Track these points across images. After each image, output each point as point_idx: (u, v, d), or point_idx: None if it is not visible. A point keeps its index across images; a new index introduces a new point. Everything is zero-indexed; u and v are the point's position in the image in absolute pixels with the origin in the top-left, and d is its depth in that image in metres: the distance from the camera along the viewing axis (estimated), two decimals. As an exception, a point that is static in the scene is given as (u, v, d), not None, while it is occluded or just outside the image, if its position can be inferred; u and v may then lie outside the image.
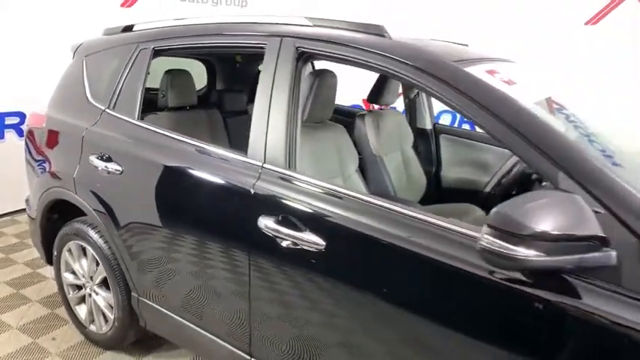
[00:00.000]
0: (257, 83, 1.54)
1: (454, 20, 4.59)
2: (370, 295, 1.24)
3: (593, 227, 0.90)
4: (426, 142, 2.62)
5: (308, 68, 2.15)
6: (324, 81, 1.70)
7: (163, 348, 2.19)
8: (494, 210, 0.90)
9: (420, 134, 2.62)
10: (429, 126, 2.63)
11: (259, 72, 1.58)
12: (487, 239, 0.89)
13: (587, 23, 4.32)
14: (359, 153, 2.23)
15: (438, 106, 2.94)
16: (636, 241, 0.93)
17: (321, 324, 1.35)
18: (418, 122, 2.63)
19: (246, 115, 2.75)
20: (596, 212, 0.95)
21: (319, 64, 2.38)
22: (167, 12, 4.18)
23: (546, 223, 0.86)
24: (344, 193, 1.30)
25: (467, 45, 2.18)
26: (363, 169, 2.22)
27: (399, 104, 2.75)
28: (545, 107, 1.62)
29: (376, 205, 1.23)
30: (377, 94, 2.30)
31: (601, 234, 0.90)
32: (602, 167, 1.03)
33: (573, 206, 0.91)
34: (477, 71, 1.24)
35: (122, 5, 4.17)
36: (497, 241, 0.87)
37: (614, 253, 0.93)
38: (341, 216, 1.27)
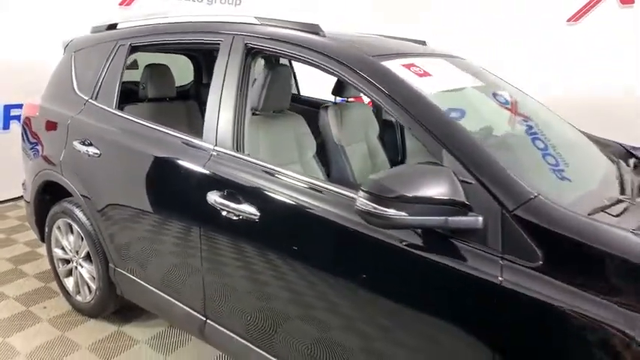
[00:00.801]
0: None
1: (438, 20, 4.75)
2: (292, 256, 1.44)
3: (456, 194, 1.08)
4: (392, 133, 2.79)
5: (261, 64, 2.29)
6: (277, 74, 1.89)
7: (141, 318, 2.40)
8: (369, 177, 1.08)
9: (386, 125, 2.79)
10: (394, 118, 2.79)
11: None
12: (361, 202, 1.07)
13: (569, 20, 4.43)
14: (323, 142, 2.42)
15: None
16: (500, 208, 1.11)
17: (260, 283, 1.54)
18: (384, 114, 2.80)
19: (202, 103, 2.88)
20: (467, 183, 1.13)
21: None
22: (163, 11, 4.40)
23: (411, 188, 1.04)
24: (274, 170, 1.50)
25: (424, 42, 2.35)
26: (326, 157, 2.41)
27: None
28: (483, 96, 1.80)
29: (293, 177, 1.44)
30: (339, 87, 2.49)
31: (462, 200, 1.08)
32: (482, 147, 1.20)
33: (439, 176, 1.09)
34: (392, 65, 1.42)
35: (120, 4, 4.40)
36: (370, 203, 1.06)
37: (480, 218, 1.10)
38: (271, 189, 1.47)
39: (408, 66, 1.46)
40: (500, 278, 1.06)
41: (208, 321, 1.77)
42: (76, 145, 2.13)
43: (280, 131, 2.02)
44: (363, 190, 1.07)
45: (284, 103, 2.01)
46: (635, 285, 0.96)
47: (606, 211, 1.18)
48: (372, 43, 1.70)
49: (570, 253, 1.03)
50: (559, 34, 4.44)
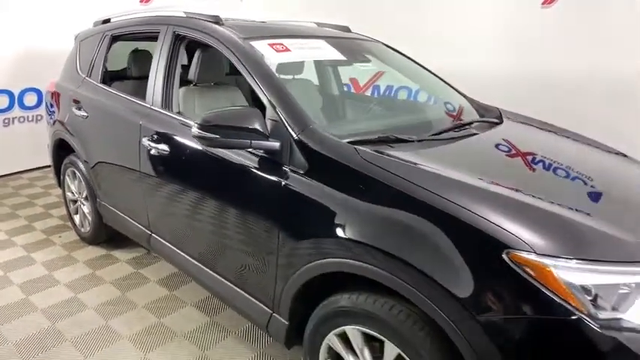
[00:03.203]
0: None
1: (415, 6, 5.13)
2: (184, 176, 2.09)
3: (260, 126, 1.64)
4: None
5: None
6: (207, 54, 2.48)
7: (126, 246, 3.14)
8: (202, 115, 1.67)
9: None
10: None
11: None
12: (194, 130, 1.65)
13: (543, 4, 4.66)
14: None
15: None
16: (289, 136, 1.65)
17: (172, 200, 2.18)
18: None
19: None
20: (275, 121, 1.69)
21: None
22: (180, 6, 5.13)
23: (225, 121, 1.62)
24: (177, 119, 2.12)
25: (347, 27, 2.89)
26: None
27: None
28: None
29: (180, 121, 2.06)
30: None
31: (262, 130, 1.64)
32: (288, 98, 1.73)
33: (249, 115, 1.64)
34: (258, 43, 1.99)
35: (141, 2, 5.19)
36: (197, 130, 1.64)
37: (278, 143, 1.66)
38: (172, 132, 2.10)
39: (273, 45, 2.01)
40: (283, 182, 1.62)
41: (152, 234, 2.45)
42: (74, 110, 2.88)
43: (214, 99, 2.61)
44: (195, 123, 1.66)
45: (217, 77, 2.60)
46: (350, 178, 1.48)
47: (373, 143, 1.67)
48: (256, 27, 2.25)
49: (322, 162, 1.57)
50: (534, 17, 4.67)
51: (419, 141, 1.76)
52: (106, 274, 2.82)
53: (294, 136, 1.64)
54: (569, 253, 1.15)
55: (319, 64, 2.84)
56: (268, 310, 1.81)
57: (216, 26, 2.11)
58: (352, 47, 2.49)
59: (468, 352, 1.19)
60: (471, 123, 2.16)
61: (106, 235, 3.10)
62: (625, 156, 2.13)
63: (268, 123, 1.71)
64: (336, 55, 2.20)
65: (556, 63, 4.49)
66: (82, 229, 3.21)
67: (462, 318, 1.18)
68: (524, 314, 1.13)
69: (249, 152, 1.75)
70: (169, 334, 2.26)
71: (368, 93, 4.41)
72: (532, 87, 4.56)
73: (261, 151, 1.71)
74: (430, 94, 2.72)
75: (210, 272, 2.07)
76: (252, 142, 1.65)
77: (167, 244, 2.33)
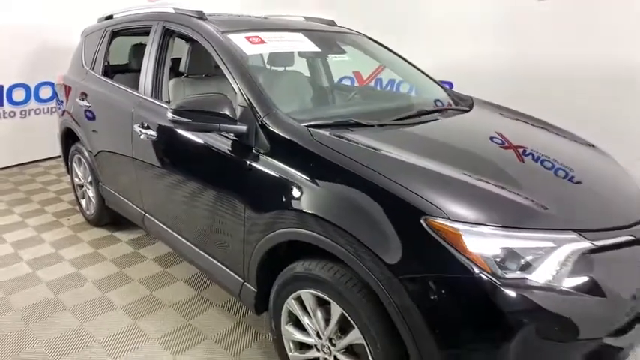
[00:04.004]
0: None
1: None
2: (167, 156, 2.29)
3: (229, 111, 1.81)
4: None
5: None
6: (196, 48, 2.66)
7: (127, 228, 3.36)
8: (176, 101, 1.84)
9: None
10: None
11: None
12: (169, 115, 1.83)
13: (539, -1, 4.69)
14: None
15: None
16: (255, 120, 1.81)
17: (160, 181, 2.38)
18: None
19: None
20: (244, 107, 1.86)
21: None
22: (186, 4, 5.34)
23: (197, 107, 1.79)
24: (162, 106, 2.31)
25: (333, 21, 3.04)
26: None
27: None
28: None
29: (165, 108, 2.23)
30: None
31: (231, 115, 1.81)
32: (256, 85, 1.89)
33: (220, 101, 1.81)
34: (235, 36, 2.15)
35: (149, 0, 5.42)
36: (171, 114, 1.81)
37: (245, 127, 1.83)
38: (157, 119, 2.28)
39: (249, 37, 2.18)
40: (248, 162, 1.79)
41: (146, 214, 2.65)
42: (78, 101, 3.11)
43: (203, 90, 2.78)
44: (170, 108, 1.83)
45: (207, 69, 2.78)
46: (303, 157, 1.64)
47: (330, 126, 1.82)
48: (237, 22, 2.42)
49: (281, 143, 1.73)
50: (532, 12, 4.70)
51: (380, 125, 1.91)
52: (107, 253, 3.05)
53: (259, 120, 1.81)
54: (479, 219, 1.29)
55: (310, 58, 3.00)
56: (240, 279, 1.99)
57: (199, 21, 2.28)
58: (330, 39, 2.64)
59: (392, 308, 1.34)
60: (439, 110, 2.30)
61: (109, 218, 3.33)
62: (592, 146, 2.21)
63: (238, 109, 1.89)
64: (311, 47, 2.36)
65: (552, 54, 4.53)
66: (88, 212, 3.45)
67: (388, 278, 1.33)
68: (438, 274, 1.28)
69: (224, 136, 1.92)
70: (159, 305, 2.47)
71: (371, 84, 4.56)
72: (529, 78, 4.62)
73: (233, 135, 1.89)
74: (408, 83, 2.85)
75: (194, 247, 2.26)
76: (221, 125, 1.82)
77: (158, 223, 2.53)
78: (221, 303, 2.49)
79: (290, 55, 2.83)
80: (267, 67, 2.75)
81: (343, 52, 2.67)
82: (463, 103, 2.50)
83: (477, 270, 1.23)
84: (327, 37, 2.64)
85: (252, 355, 2.10)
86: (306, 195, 1.59)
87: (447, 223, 1.28)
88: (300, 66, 3.09)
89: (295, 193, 1.62)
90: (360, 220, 1.42)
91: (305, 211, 1.56)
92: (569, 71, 4.40)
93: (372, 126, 1.87)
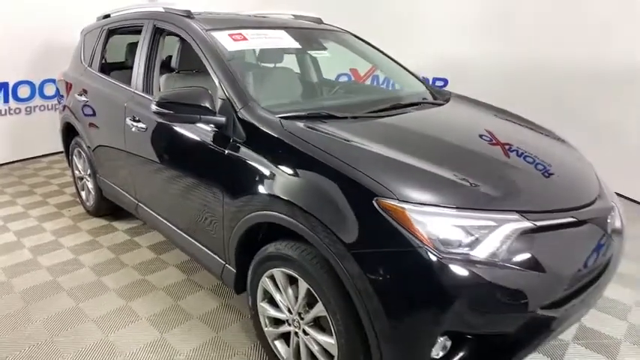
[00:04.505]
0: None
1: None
2: (155, 146, 2.42)
3: (208, 104, 1.94)
4: None
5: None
6: (185, 45, 2.80)
7: (124, 218, 3.52)
8: (160, 93, 1.98)
9: None
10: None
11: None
12: (153, 107, 1.97)
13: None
14: None
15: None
16: (233, 111, 1.95)
17: (151, 170, 2.52)
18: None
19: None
20: (224, 99, 2.00)
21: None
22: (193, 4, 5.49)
23: (180, 99, 1.93)
24: (149, 99, 2.45)
25: (320, 19, 3.16)
26: None
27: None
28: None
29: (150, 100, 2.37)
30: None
31: (210, 107, 1.94)
32: (235, 79, 2.03)
33: (200, 94, 1.94)
34: (218, 34, 2.29)
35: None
36: (156, 106, 1.95)
37: (224, 118, 1.97)
38: (146, 112, 2.42)
39: (232, 35, 2.31)
40: (227, 151, 1.93)
41: (139, 203, 2.80)
42: (77, 96, 3.27)
43: (193, 85, 2.93)
44: (154, 100, 1.97)
45: (197, 64, 2.89)
46: (274, 145, 1.77)
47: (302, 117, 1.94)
48: (222, 20, 2.54)
49: (256, 133, 1.87)
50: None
51: (353, 117, 2.03)
52: (104, 241, 3.21)
53: (237, 111, 1.95)
54: (425, 200, 1.42)
55: (299, 55, 3.14)
56: (222, 261, 2.13)
57: (186, 19, 2.42)
58: (312, 37, 2.76)
59: (348, 282, 1.47)
60: (415, 104, 2.41)
61: (107, 209, 3.49)
62: (564, 142, 2.31)
63: (219, 102, 2.02)
64: (292, 43, 2.49)
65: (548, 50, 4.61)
66: (88, 203, 3.62)
67: (343, 254, 1.46)
68: (387, 249, 1.40)
69: (207, 128, 2.05)
70: (150, 288, 2.62)
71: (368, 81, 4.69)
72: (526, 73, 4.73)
73: (213, 126, 2.02)
74: (390, 79, 2.97)
75: (181, 233, 2.40)
76: (202, 116, 1.96)
77: (149, 210, 2.68)
78: (208, 286, 2.63)
79: (279, 52, 2.97)
80: (254, 63, 2.89)
81: (324, 48, 2.80)
82: (440, 98, 2.62)
83: (420, 245, 1.35)
84: (309, 35, 2.77)
85: (234, 331, 2.24)
86: (276, 180, 1.72)
87: (395, 203, 1.40)
88: (293, 63, 3.24)
89: (267, 178, 1.76)
90: (323, 202, 1.55)
91: (275, 195, 1.70)
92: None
93: (346, 118, 2.00)
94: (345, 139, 1.73)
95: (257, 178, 1.79)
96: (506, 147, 1.90)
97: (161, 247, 3.11)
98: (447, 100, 2.58)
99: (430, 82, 5.84)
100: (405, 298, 1.38)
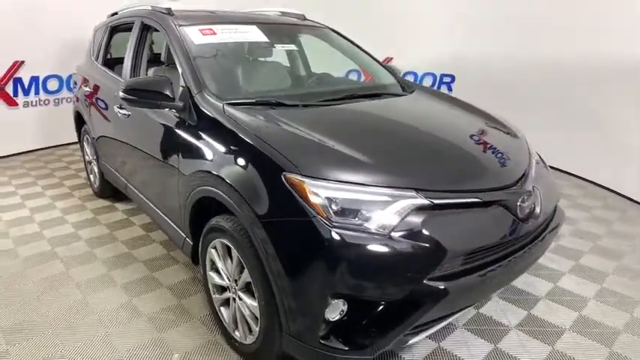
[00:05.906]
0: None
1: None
2: (135, 129, 2.68)
3: (167, 91, 2.16)
4: None
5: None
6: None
7: (127, 199, 3.84)
8: (126, 81, 2.22)
9: None
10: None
11: None
12: (119, 93, 2.21)
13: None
14: None
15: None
16: (190, 98, 2.17)
17: (134, 152, 2.79)
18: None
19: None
20: (185, 87, 2.22)
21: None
22: (204, 4, 5.80)
23: (141, 87, 2.16)
24: None
25: (303, 15, 3.34)
26: None
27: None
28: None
29: None
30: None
31: (169, 94, 2.16)
32: (194, 70, 2.24)
33: (161, 82, 2.16)
34: (189, 29, 2.51)
35: (169, -2, 5.91)
36: (122, 92, 2.19)
37: (181, 103, 2.19)
38: None
39: (202, 30, 2.53)
40: (181, 133, 2.15)
41: (128, 184, 3.09)
42: (84, 87, 3.61)
43: (178, 76, 3.17)
44: (121, 87, 2.22)
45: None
46: (216, 128, 1.97)
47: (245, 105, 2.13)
48: (197, 16, 2.74)
49: (205, 117, 2.07)
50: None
51: (304, 105, 2.20)
52: (103, 219, 3.53)
53: (192, 98, 2.16)
54: (324, 175, 1.57)
55: (290, 52, 3.30)
56: (183, 234, 2.35)
57: (165, 15, 2.67)
58: (284, 32, 2.95)
59: (259, 248, 1.65)
60: (375, 95, 2.54)
61: (110, 191, 3.82)
62: (510, 131, 2.38)
63: (180, 89, 2.24)
64: (260, 37, 2.68)
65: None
66: (95, 186, 3.97)
67: (255, 222, 1.64)
68: (289, 217, 1.57)
69: (172, 114, 2.28)
70: (132, 260, 2.90)
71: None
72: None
73: (175, 112, 2.25)
74: (361, 72, 3.10)
75: (155, 208, 2.65)
76: (161, 102, 2.18)
77: (134, 189, 2.95)
78: (184, 261, 2.88)
79: (267, 47, 3.15)
80: (231, 56, 3.08)
81: (293, 42, 2.96)
82: (408, 90, 2.74)
83: (314, 215, 1.51)
84: (282, 29, 2.95)
85: (195, 300, 2.47)
86: (213, 159, 1.92)
87: (298, 177, 1.57)
88: (283, 59, 3.43)
89: (207, 157, 1.97)
90: (246, 179, 1.74)
91: (211, 172, 1.90)
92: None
93: (297, 105, 2.17)
94: (276, 123, 1.91)
95: (200, 157, 2.00)
96: (435, 133, 2.01)
97: (151, 226, 3.39)
98: (411, 92, 2.69)
99: (438, 79, 5.92)
100: (300, 260, 1.54)
